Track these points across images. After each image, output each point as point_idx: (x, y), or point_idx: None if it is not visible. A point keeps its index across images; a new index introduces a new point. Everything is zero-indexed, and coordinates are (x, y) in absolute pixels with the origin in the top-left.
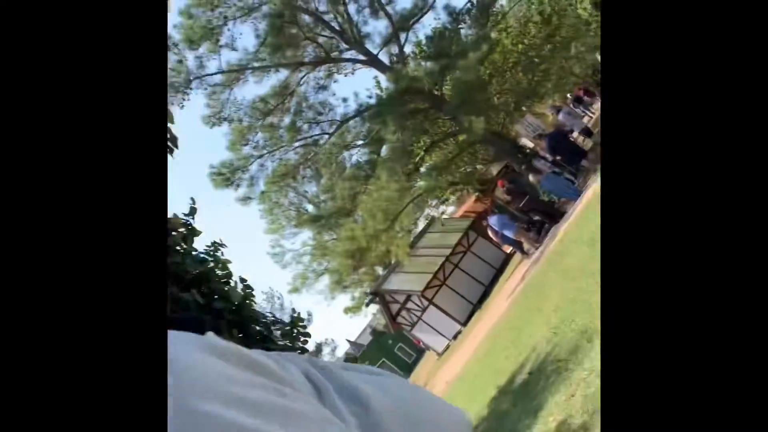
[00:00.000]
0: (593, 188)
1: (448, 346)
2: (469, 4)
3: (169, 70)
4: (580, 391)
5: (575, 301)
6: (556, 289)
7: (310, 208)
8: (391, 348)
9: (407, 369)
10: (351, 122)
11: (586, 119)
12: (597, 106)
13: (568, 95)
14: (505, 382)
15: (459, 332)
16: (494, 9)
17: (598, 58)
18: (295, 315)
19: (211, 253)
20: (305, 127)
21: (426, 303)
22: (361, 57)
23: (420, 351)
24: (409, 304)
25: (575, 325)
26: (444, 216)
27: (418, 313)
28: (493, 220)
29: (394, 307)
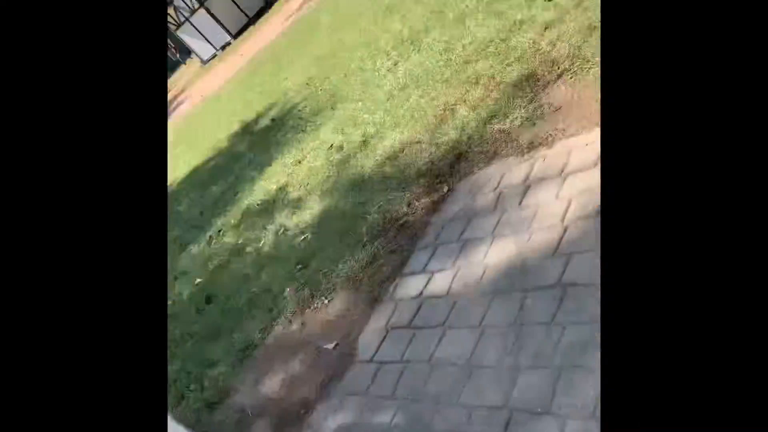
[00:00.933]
0: None
1: (214, 56)
2: None
3: None
4: (308, 162)
5: (335, 55)
6: (324, 35)
7: None
8: None
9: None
10: None
11: None
12: None
13: None
14: (250, 119)
15: (228, 44)
16: None
17: None
18: None
19: None
20: None
21: (197, 4)
22: None
23: (175, 61)
24: (178, 1)
25: (328, 84)
26: None
27: (187, 14)
28: None
29: None
